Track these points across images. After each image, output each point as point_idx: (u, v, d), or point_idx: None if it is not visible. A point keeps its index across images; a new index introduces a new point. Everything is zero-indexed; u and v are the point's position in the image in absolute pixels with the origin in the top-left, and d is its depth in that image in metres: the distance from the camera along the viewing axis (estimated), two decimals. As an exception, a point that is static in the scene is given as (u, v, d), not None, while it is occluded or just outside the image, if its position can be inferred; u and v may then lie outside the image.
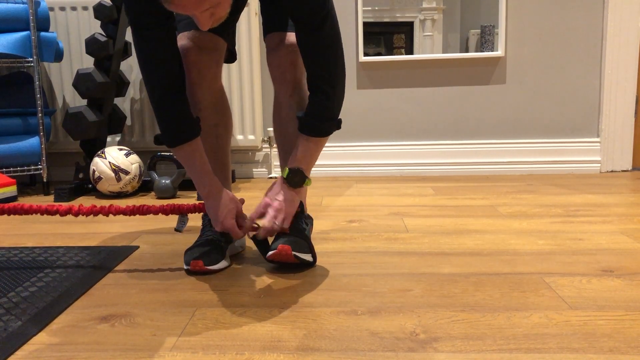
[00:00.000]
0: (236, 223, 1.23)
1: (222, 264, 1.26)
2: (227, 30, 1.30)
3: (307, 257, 1.22)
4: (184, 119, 1.19)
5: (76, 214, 1.28)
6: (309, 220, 1.35)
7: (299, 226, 1.26)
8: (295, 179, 1.20)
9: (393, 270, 1.23)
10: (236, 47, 2.41)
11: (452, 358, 0.83)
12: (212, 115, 1.31)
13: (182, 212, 1.31)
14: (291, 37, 1.28)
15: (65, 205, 1.29)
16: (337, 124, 1.22)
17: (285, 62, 1.28)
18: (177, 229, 1.33)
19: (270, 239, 1.25)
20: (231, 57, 1.40)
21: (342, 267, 1.26)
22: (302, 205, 1.31)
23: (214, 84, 1.30)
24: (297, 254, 1.19)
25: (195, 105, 1.29)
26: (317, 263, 1.29)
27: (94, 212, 1.28)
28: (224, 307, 1.04)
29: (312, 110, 1.19)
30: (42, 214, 1.27)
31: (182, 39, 1.25)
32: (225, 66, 2.46)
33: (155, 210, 1.30)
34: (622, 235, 1.46)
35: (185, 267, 1.26)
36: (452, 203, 1.92)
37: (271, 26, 1.31)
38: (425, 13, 2.47)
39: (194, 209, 1.30)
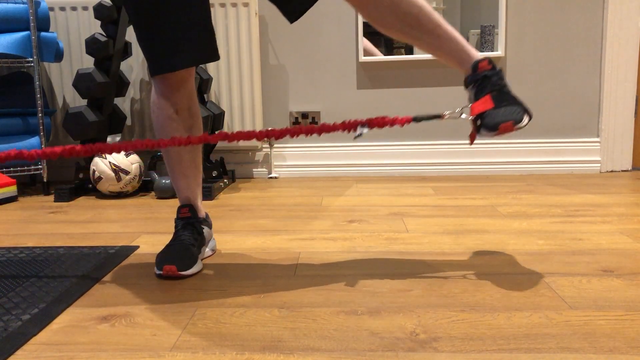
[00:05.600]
0: None
1: (195, 268, 1.25)
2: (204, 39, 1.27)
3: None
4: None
5: None
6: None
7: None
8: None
9: (393, 270, 1.23)
10: (237, 47, 2.43)
11: (452, 358, 0.83)
12: (187, 118, 1.31)
13: None
14: None
15: None
16: None
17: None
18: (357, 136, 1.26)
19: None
20: (214, 55, 1.34)
21: (342, 267, 1.26)
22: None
23: (189, 85, 1.31)
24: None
25: (172, 107, 1.28)
26: (317, 263, 1.29)
27: None
28: (224, 307, 1.04)
29: None
30: None
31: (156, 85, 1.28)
32: (225, 66, 2.46)
33: None
34: (622, 235, 1.46)
35: (157, 271, 1.23)
36: (452, 203, 1.92)
37: None
38: (425, 13, 2.46)
39: None
